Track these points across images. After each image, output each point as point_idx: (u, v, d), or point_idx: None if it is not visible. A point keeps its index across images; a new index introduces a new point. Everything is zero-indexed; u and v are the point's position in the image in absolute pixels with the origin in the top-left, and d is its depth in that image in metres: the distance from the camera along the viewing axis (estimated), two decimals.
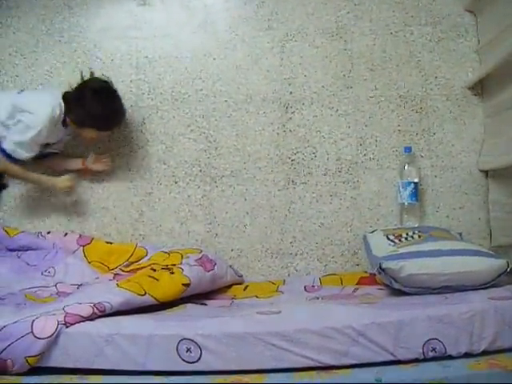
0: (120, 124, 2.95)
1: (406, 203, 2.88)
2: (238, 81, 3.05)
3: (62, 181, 2.92)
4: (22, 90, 2.92)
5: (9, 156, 2.75)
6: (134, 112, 3.08)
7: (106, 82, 2.87)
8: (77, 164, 3.04)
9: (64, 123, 2.84)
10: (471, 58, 2.98)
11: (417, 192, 2.87)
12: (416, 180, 2.87)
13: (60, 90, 2.85)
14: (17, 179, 3.00)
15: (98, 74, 3.02)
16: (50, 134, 2.80)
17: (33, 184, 3.05)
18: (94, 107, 2.75)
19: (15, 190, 3.06)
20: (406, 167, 2.90)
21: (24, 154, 2.76)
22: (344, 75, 3.02)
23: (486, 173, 2.94)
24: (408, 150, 2.92)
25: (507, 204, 2.75)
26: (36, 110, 2.72)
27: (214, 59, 3.07)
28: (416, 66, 3.01)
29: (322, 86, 3.03)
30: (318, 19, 3.05)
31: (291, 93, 3.04)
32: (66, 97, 2.82)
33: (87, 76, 2.87)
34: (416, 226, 2.83)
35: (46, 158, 2.98)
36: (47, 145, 2.89)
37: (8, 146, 2.73)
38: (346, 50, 3.03)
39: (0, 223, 3.02)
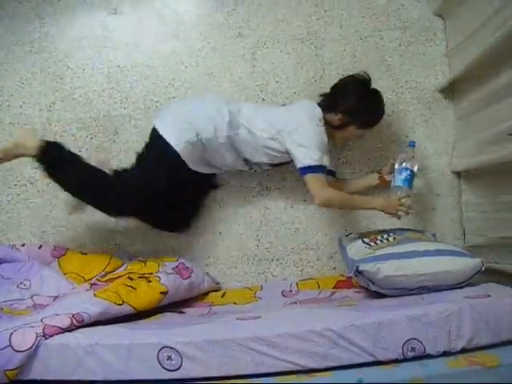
0: None
1: None
2: (210, 88, 3.04)
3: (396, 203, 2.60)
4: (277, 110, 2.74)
5: (317, 170, 2.55)
6: (106, 121, 3.05)
7: (364, 74, 2.68)
8: (373, 179, 2.86)
9: None
10: (441, 61, 3.02)
11: None
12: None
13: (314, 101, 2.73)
14: (348, 209, 2.90)
15: (69, 84, 3.03)
16: None
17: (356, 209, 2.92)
18: (365, 102, 2.63)
19: None
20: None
21: (327, 157, 2.58)
22: (316, 81, 3.04)
23: (458, 174, 2.97)
24: None
25: (480, 204, 2.78)
26: (300, 123, 2.57)
27: (186, 67, 3.07)
28: (386, 70, 3.04)
29: (294, 92, 3.04)
30: (289, 25, 3.06)
31: (263, 99, 3.04)
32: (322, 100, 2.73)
33: None
34: (390, 228, 2.85)
35: None
36: None
37: (312, 157, 2.53)
38: (317, 55, 3.05)
39: None
